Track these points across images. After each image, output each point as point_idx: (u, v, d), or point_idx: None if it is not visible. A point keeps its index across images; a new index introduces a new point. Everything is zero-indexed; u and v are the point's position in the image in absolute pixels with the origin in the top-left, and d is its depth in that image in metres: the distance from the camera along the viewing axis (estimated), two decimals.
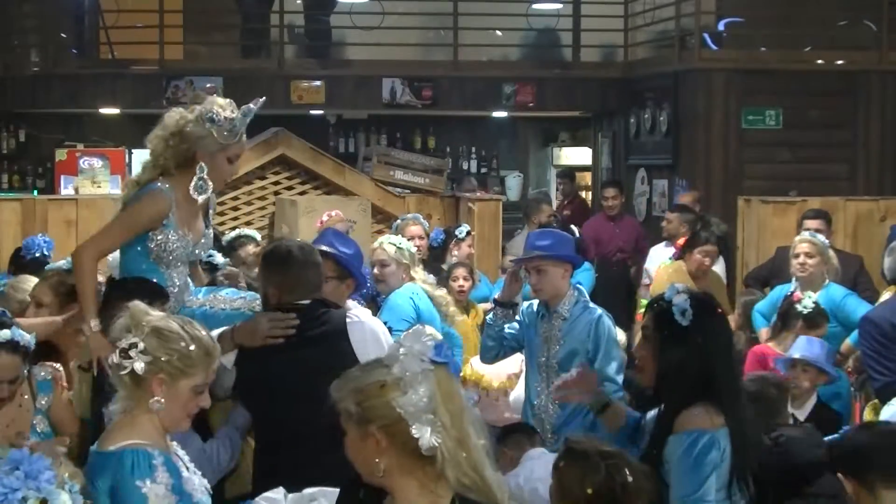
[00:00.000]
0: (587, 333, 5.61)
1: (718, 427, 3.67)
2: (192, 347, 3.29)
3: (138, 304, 3.38)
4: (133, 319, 3.30)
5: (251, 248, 7.50)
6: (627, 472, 3.33)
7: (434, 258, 8.36)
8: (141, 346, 3.24)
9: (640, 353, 3.94)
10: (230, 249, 7.36)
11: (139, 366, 3.22)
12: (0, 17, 13.04)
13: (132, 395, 3.27)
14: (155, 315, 3.36)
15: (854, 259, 8.20)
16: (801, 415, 5.64)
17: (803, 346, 5.90)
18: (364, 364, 2.82)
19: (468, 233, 8.50)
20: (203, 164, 4.60)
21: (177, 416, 3.32)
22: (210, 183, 4.64)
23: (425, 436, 2.63)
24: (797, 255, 7.22)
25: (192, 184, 4.60)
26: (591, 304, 5.82)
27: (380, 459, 2.68)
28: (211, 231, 4.94)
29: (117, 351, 3.26)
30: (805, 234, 7.39)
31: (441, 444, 2.65)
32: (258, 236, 8.02)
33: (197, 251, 4.82)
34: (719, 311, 3.96)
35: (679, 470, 3.67)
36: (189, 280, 4.85)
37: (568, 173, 14.31)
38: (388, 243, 6.81)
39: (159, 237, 4.58)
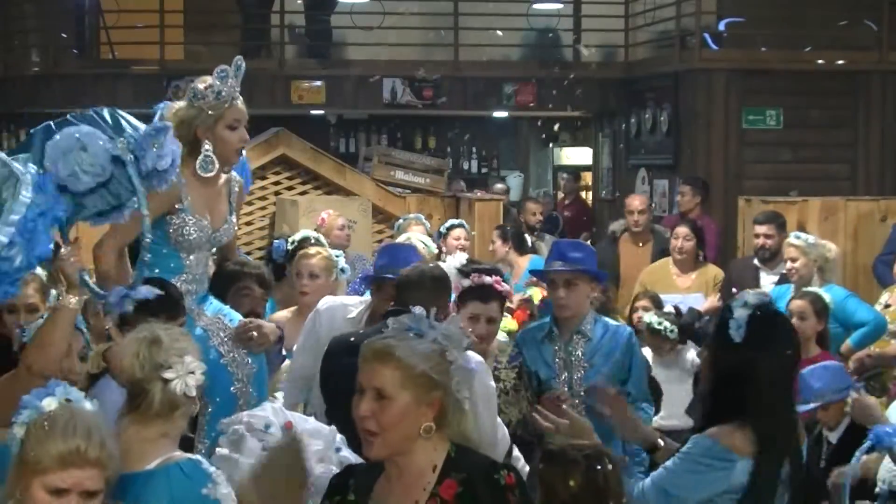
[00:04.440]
0: (621, 353, 5.16)
1: (741, 454, 3.49)
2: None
3: (163, 329, 3.33)
4: (165, 346, 3.23)
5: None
6: (607, 462, 3.35)
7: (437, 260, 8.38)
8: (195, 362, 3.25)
9: (701, 358, 3.85)
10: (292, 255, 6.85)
11: (200, 378, 3.24)
12: (0, 17, 13.04)
13: (176, 410, 3.23)
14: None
15: None
16: (834, 436, 5.36)
17: (806, 387, 5.32)
18: (405, 334, 2.96)
19: (450, 227, 8.43)
20: (206, 141, 4.59)
21: None
22: (215, 159, 4.60)
23: (467, 402, 2.94)
24: (785, 261, 7.26)
25: (197, 162, 4.57)
26: (613, 322, 5.42)
27: (426, 424, 2.89)
28: (234, 217, 4.86)
29: (178, 379, 3.20)
30: (790, 237, 7.37)
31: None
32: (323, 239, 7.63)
33: (219, 236, 4.75)
34: (787, 331, 3.65)
35: (675, 459, 3.58)
36: (208, 272, 4.78)
37: (574, 171, 14.27)
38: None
39: (176, 221, 4.55)
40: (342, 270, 6.27)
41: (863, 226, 9.44)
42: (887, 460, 4.62)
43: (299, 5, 13.13)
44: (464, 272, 5.07)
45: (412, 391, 2.88)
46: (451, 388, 2.91)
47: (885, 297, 7.14)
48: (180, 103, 4.67)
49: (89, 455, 2.79)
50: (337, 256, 6.26)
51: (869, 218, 9.47)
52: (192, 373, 3.21)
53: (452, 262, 5.22)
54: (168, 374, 3.18)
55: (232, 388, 4.57)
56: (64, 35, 13.19)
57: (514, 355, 5.03)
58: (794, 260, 7.14)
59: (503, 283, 4.98)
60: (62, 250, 3.82)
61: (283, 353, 5.26)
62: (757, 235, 8.05)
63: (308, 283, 5.94)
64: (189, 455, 3.23)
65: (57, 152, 3.71)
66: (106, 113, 3.94)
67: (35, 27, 13.41)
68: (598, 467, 3.32)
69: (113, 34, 12.88)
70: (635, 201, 9.45)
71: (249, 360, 4.67)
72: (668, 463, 3.60)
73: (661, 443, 3.88)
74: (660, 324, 6.77)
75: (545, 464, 3.39)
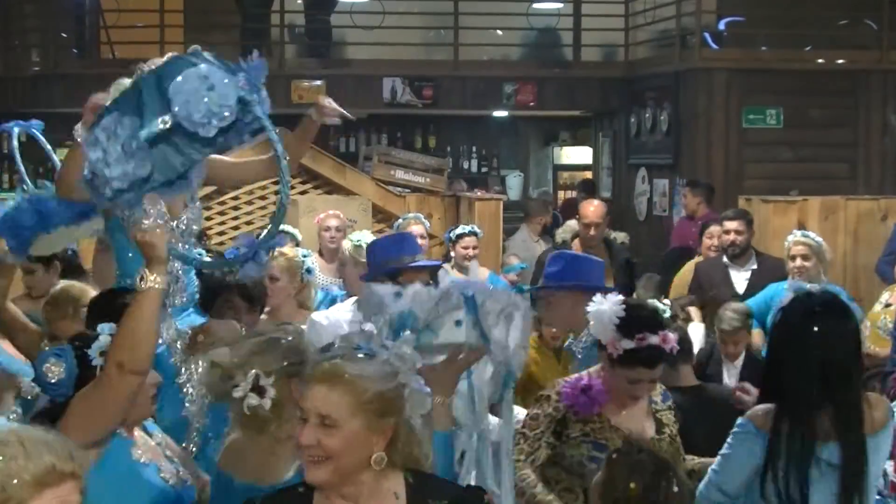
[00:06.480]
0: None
1: (760, 427, 3.59)
2: (290, 338, 3.14)
3: (218, 351, 3.14)
4: (226, 367, 3.04)
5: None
6: (674, 482, 3.25)
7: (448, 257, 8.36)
8: (261, 374, 3.03)
9: None
10: None
11: (272, 392, 3.01)
12: (0, 17, 13.04)
13: (273, 421, 3.05)
14: (224, 349, 3.13)
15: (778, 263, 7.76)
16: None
17: None
18: (354, 354, 2.65)
19: (460, 235, 8.14)
20: None
21: None
22: None
23: (419, 425, 2.65)
24: (793, 258, 7.19)
25: None
26: None
27: (377, 454, 2.59)
28: (198, 204, 4.58)
29: (247, 398, 3.01)
30: (798, 235, 7.33)
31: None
32: (297, 234, 7.78)
33: (183, 224, 4.46)
34: (827, 319, 3.59)
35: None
36: (185, 276, 4.50)
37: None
38: (347, 239, 6.35)
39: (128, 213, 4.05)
40: (308, 271, 5.89)
41: (863, 225, 9.44)
42: None
43: (299, 5, 13.13)
44: (623, 329, 4.00)
45: (363, 418, 2.57)
46: (405, 413, 2.62)
47: (885, 297, 7.13)
48: (128, 80, 4.43)
49: (65, 469, 2.49)
50: (304, 257, 5.92)
51: (869, 217, 9.47)
52: (263, 379, 3.03)
53: (610, 312, 4.02)
54: (237, 393, 3.03)
55: (183, 412, 4.26)
56: (64, 35, 13.19)
57: (666, 393, 4.24)
58: (805, 258, 7.11)
59: (670, 338, 4.02)
60: (145, 222, 3.40)
61: None
62: (727, 231, 7.82)
63: (268, 285, 5.52)
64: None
65: (186, 95, 3.28)
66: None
67: (35, 27, 13.40)
68: (663, 483, 3.24)
69: (113, 34, 12.89)
70: (588, 209, 8.05)
71: None
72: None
73: None
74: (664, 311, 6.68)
75: (618, 454, 3.35)
